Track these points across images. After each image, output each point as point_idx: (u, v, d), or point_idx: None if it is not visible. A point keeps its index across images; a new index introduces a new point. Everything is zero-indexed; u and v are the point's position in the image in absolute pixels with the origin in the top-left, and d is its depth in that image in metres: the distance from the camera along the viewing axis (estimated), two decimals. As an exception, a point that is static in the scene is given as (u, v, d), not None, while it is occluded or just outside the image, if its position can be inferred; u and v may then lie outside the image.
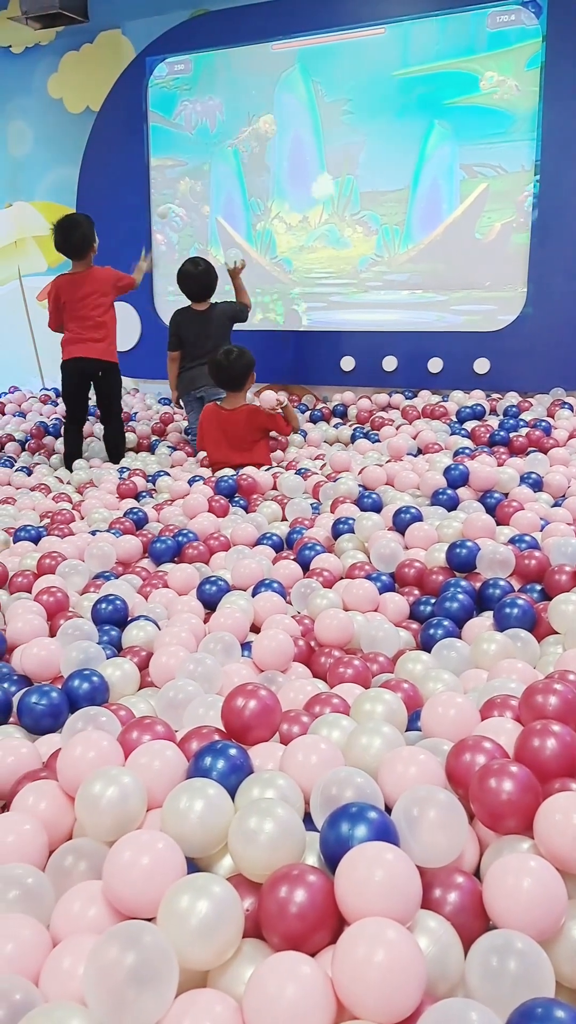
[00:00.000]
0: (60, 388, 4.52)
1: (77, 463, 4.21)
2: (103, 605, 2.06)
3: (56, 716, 1.52)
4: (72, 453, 4.34)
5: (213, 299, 4.53)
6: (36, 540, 2.72)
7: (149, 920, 0.91)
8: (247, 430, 3.78)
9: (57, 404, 5.54)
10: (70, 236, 4.16)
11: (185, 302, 4.58)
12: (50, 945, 0.94)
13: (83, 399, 4.39)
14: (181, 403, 4.72)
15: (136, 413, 5.30)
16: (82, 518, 3.09)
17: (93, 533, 2.77)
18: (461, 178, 4.76)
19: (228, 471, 3.46)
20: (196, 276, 4.45)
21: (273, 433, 3.96)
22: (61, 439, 4.52)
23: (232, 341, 4.34)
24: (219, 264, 4.65)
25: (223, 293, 4.59)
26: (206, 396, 4.34)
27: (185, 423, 4.90)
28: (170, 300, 5.75)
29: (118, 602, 2.07)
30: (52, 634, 1.97)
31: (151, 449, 4.64)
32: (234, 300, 4.55)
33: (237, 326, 4.58)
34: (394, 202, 4.97)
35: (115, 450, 4.40)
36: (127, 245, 5.73)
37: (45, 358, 6.59)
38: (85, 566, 2.40)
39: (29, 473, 4.15)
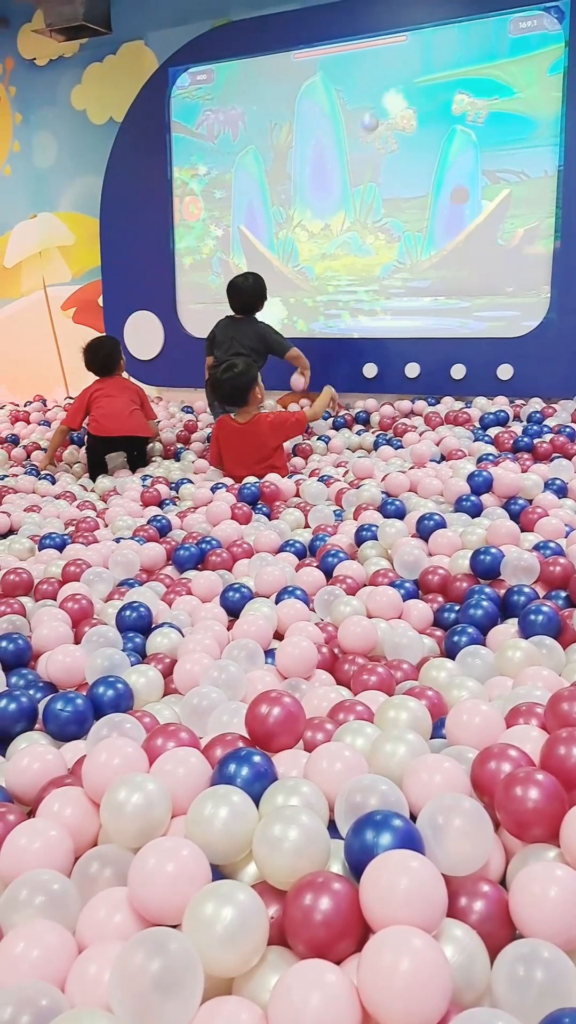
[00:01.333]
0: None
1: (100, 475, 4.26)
2: (127, 612, 2.07)
3: (81, 723, 1.53)
4: (95, 472, 4.43)
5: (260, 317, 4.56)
6: (61, 548, 2.74)
7: (174, 927, 0.92)
8: (261, 443, 3.74)
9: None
10: (97, 354, 4.49)
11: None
12: (76, 951, 0.95)
13: (104, 466, 4.50)
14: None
15: (159, 421, 5.32)
16: (106, 526, 3.11)
17: (117, 540, 2.79)
18: (484, 184, 4.75)
19: (252, 478, 3.46)
20: (241, 289, 4.49)
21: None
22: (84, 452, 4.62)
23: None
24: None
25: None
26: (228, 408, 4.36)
27: (207, 429, 4.93)
28: (192, 308, 5.80)
29: (142, 609, 2.08)
30: (77, 641, 1.98)
31: (176, 457, 4.67)
32: (282, 337, 4.56)
33: None
34: (416, 209, 4.97)
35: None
36: (150, 254, 5.80)
37: (69, 367, 6.65)
38: (109, 573, 2.41)
39: (53, 481, 4.18)
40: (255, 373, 3.78)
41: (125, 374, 4.84)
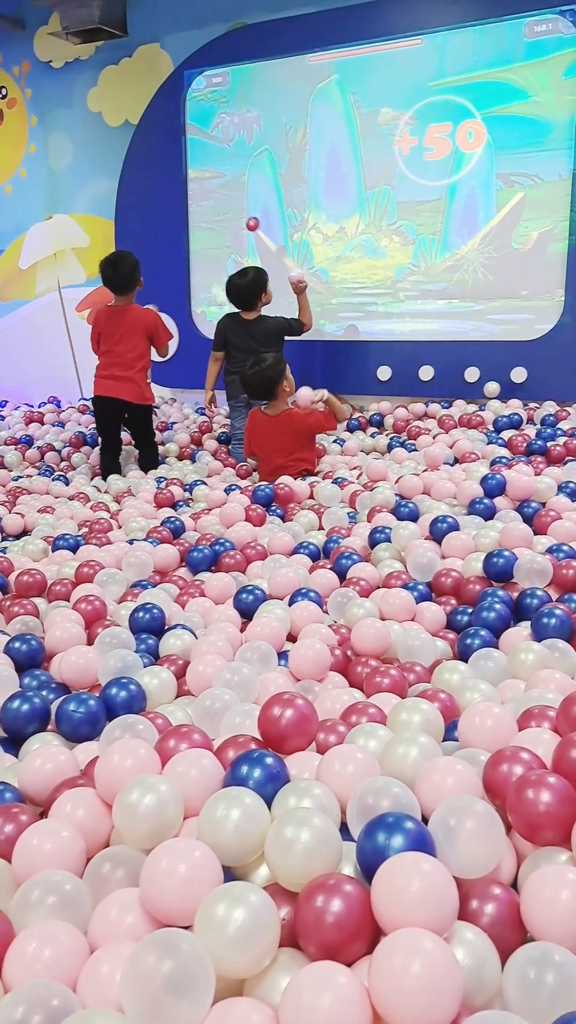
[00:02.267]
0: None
1: (113, 476, 4.26)
2: (140, 614, 2.08)
3: (94, 724, 1.53)
4: (108, 472, 4.42)
5: (266, 311, 4.56)
6: (74, 549, 2.75)
7: (186, 928, 0.92)
8: (292, 435, 3.78)
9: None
10: (118, 269, 4.27)
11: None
12: (88, 951, 0.95)
13: (115, 431, 4.46)
14: (215, 405, 4.82)
15: (174, 423, 5.34)
16: (120, 527, 3.12)
17: (131, 542, 2.80)
18: (498, 187, 4.74)
19: (276, 478, 3.47)
20: (239, 286, 4.50)
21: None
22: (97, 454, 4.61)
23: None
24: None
25: (283, 307, 4.60)
26: (254, 401, 4.35)
27: (221, 430, 4.93)
28: (201, 311, 5.81)
29: (155, 611, 2.08)
30: (90, 642, 1.99)
31: (192, 458, 4.68)
32: (289, 317, 4.55)
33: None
34: (431, 212, 4.97)
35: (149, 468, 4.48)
36: (165, 257, 5.82)
37: (84, 368, 6.67)
38: (123, 575, 2.42)
39: (67, 483, 4.20)
40: (283, 367, 3.85)
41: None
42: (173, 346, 4.92)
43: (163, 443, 4.88)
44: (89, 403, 5.93)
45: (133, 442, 4.61)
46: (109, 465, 4.42)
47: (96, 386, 4.37)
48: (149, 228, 5.92)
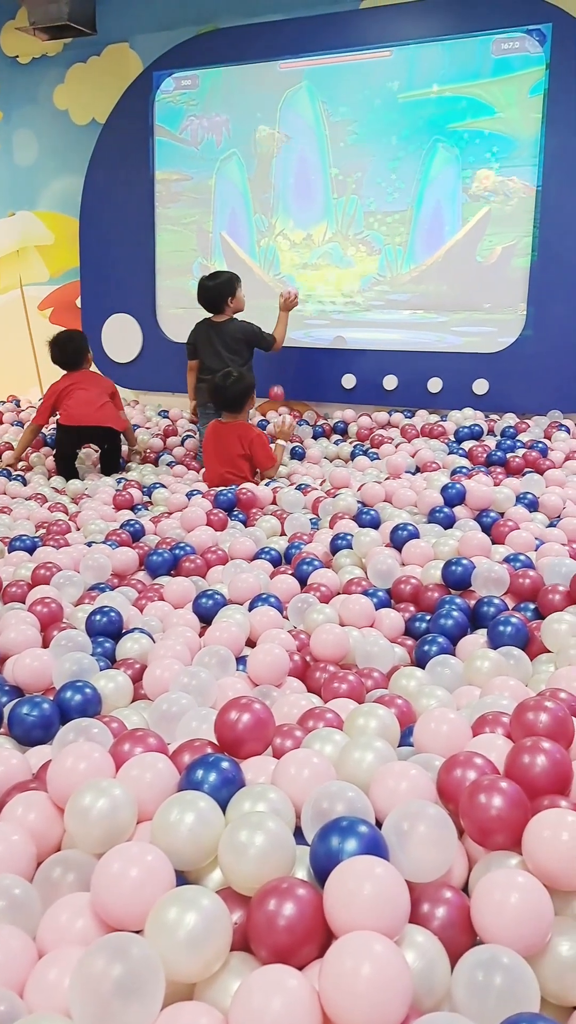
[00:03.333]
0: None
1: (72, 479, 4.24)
2: (97, 617, 2.06)
3: (47, 727, 1.52)
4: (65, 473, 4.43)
5: (240, 317, 4.54)
6: (31, 550, 2.72)
7: (137, 932, 0.91)
8: (237, 443, 3.78)
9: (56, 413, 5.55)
10: (65, 348, 4.43)
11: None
12: (36, 957, 0.94)
13: (73, 461, 4.47)
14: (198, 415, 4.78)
15: (136, 427, 5.31)
16: (78, 529, 3.10)
17: (89, 544, 2.78)
18: (463, 201, 4.80)
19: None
20: (208, 288, 4.48)
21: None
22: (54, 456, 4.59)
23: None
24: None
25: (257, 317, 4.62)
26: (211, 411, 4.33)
27: (186, 433, 4.92)
28: (171, 312, 5.79)
29: (113, 614, 2.07)
30: (45, 645, 1.97)
31: (156, 462, 4.66)
32: (262, 329, 4.51)
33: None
34: (397, 223, 5.01)
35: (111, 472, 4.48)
36: (131, 258, 5.79)
37: (44, 367, 6.60)
38: (80, 577, 2.40)
39: (25, 483, 4.15)
40: (252, 382, 3.88)
41: (94, 367, 4.79)
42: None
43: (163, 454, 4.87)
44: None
45: (99, 464, 4.59)
46: (65, 471, 4.42)
47: (73, 418, 4.35)
48: (115, 228, 5.89)
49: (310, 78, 5.13)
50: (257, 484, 3.65)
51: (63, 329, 4.68)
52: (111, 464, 4.50)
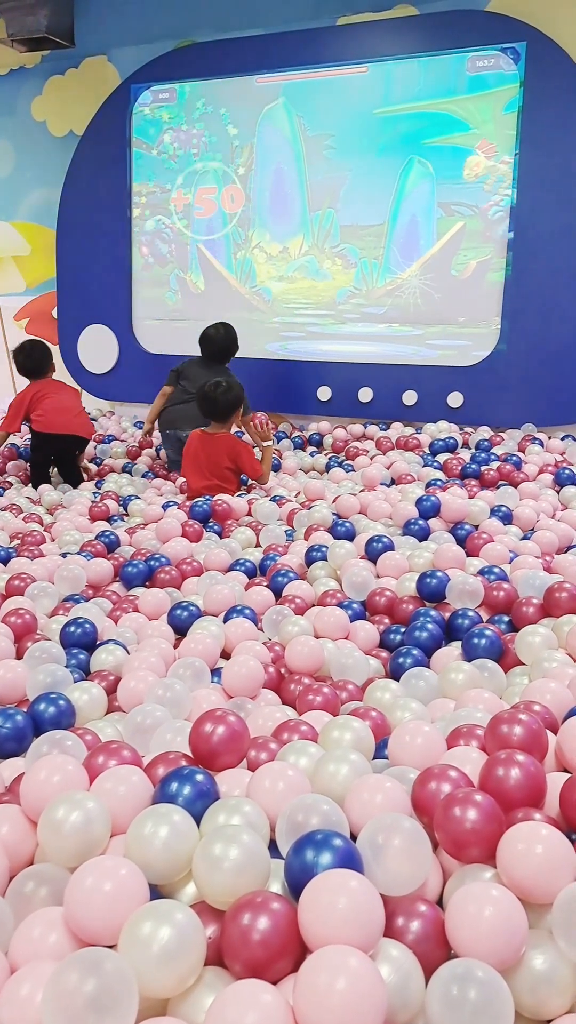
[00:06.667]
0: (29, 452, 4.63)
1: (45, 486, 4.22)
2: (72, 628, 2.05)
3: (20, 739, 1.50)
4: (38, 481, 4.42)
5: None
6: (5, 561, 2.70)
7: (110, 947, 0.90)
8: (223, 455, 3.76)
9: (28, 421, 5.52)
10: (31, 355, 4.47)
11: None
12: (8, 971, 0.93)
13: (47, 468, 4.50)
14: (155, 433, 4.80)
15: (111, 437, 5.30)
16: (53, 540, 3.07)
17: (64, 555, 2.76)
18: (438, 216, 4.85)
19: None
20: (213, 340, 4.51)
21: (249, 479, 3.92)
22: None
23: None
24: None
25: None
26: (182, 437, 4.29)
27: (158, 443, 4.91)
28: (148, 324, 5.78)
29: (87, 625, 2.05)
30: (19, 656, 1.95)
31: (126, 469, 4.64)
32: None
33: None
34: (373, 236, 5.05)
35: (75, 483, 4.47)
36: (107, 269, 5.78)
37: (20, 378, 6.56)
38: (55, 588, 2.38)
39: (0, 494, 4.12)
40: (243, 396, 3.85)
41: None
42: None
43: (97, 458, 4.86)
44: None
45: (59, 471, 4.58)
46: (40, 479, 4.41)
47: (52, 425, 4.34)
48: (92, 240, 5.88)
49: (287, 93, 5.17)
50: (240, 494, 3.69)
51: (27, 339, 4.69)
52: (72, 472, 4.47)
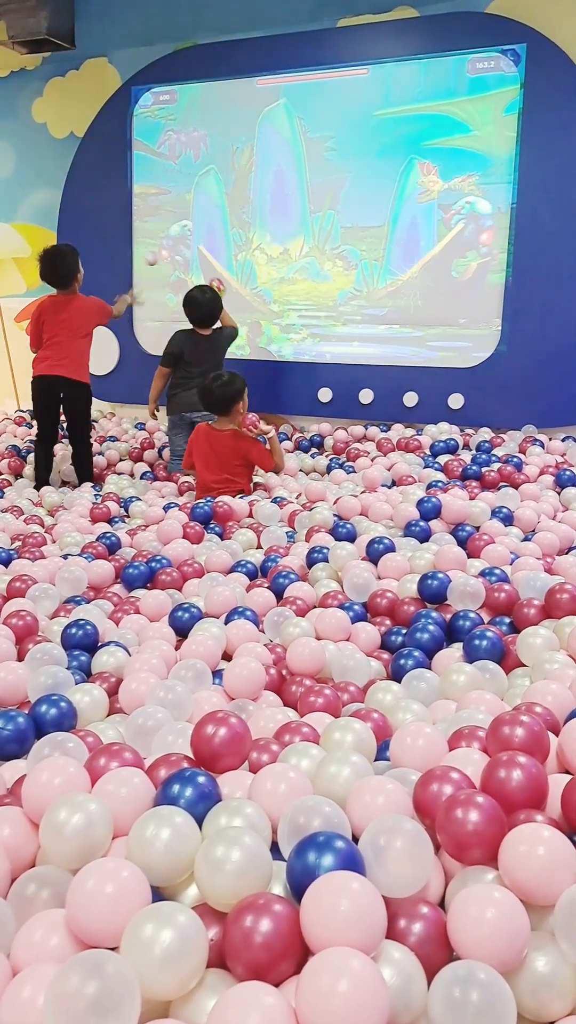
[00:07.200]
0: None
1: (46, 488, 4.20)
2: (73, 630, 2.05)
3: (22, 741, 1.50)
4: (41, 475, 4.38)
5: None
6: (6, 563, 2.70)
7: (112, 949, 0.90)
8: (231, 452, 3.76)
9: (32, 427, 5.53)
10: (55, 266, 4.27)
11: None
12: (10, 974, 0.93)
13: (52, 417, 4.43)
14: (157, 416, 4.79)
15: (113, 438, 5.30)
16: (54, 541, 3.07)
17: (65, 557, 2.76)
18: (439, 217, 4.85)
19: (208, 497, 3.45)
20: (203, 303, 4.48)
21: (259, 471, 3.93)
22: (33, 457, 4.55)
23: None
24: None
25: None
26: (197, 421, 4.29)
27: (160, 444, 4.91)
28: (148, 325, 5.79)
29: (88, 627, 2.06)
30: (20, 658, 1.95)
31: (132, 473, 4.64)
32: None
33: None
34: (373, 238, 5.05)
35: (82, 474, 4.43)
36: (108, 270, 5.78)
37: (21, 379, 6.57)
38: (56, 590, 2.38)
39: (1, 495, 4.12)
40: (243, 387, 3.83)
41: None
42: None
43: (100, 453, 4.85)
44: (26, 415, 5.86)
45: (68, 436, 4.52)
46: (42, 459, 4.39)
47: (35, 369, 4.36)
48: (93, 241, 5.87)
49: (288, 94, 5.17)
50: (251, 491, 3.73)
51: (54, 245, 4.54)
52: (80, 445, 4.43)
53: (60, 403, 4.40)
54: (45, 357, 4.33)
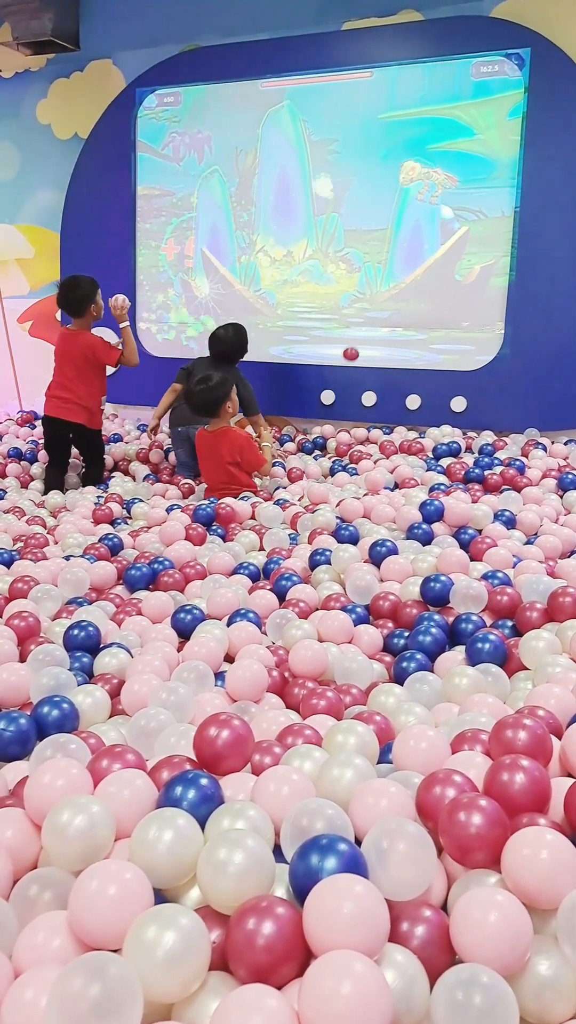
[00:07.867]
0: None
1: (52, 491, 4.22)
2: (75, 631, 2.05)
3: (24, 743, 1.50)
4: (49, 488, 4.41)
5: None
6: (8, 564, 2.70)
7: (115, 951, 0.90)
8: (226, 450, 3.77)
9: (35, 427, 5.54)
10: (68, 291, 4.34)
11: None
12: (12, 976, 0.93)
13: (63, 451, 4.48)
14: (156, 434, 4.82)
15: (117, 436, 5.30)
16: (56, 543, 3.08)
17: (67, 558, 2.76)
18: (442, 220, 4.85)
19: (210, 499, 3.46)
20: (221, 340, 4.54)
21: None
22: (41, 467, 4.60)
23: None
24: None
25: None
26: (192, 434, 4.31)
27: (163, 450, 4.91)
28: (151, 327, 5.79)
29: (91, 628, 2.06)
30: (22, 659, 1.95)
31: (133, 476, 4.65)
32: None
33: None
34: (377, 241, 5.06)
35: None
36: (111, 273, 5.78)
37: (24, 381, 6.58)
38: (58, 591, 2.38)
39: (2, 496, 4.12)
40: (229, 389, 3.82)
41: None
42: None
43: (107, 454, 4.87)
44: (30, 414, 5.87)
45: (81, 457, 4.59)
46: (52, 480, 4.42)
47: (45, 406, 4.41)
48: (96, 243, 5.89)
49: (292, 97, 5.18)
50: (257, 489, 3.75)
51: (75, 275, 4.50)
52: (93, 466, 4.50)
53: (70, 441, 4.48)
54: (54, 395, 4.37)
